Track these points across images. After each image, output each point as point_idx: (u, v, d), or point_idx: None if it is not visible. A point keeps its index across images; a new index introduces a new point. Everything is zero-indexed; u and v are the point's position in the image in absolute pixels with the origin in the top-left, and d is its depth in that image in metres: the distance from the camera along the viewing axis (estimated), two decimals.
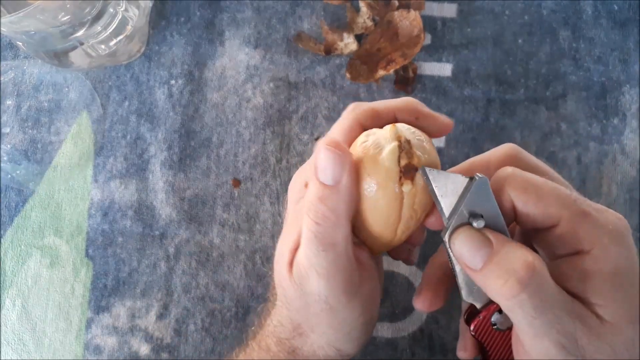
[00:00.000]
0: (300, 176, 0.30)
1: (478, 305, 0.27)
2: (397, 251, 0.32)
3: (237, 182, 0.45)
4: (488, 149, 0.45)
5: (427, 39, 0.47)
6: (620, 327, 0.23)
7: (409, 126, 0.27)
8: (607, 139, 0.45)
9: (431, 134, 0.28)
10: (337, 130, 0.29)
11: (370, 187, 0.26)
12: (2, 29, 0.37)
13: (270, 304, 0.32)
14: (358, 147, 0.27)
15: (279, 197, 0.45)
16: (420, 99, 0.45)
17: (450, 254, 0.26)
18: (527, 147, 0.42)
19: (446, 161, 0.45)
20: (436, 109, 0.46)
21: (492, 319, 0.26)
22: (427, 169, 0.25)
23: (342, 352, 0.29)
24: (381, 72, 0.44)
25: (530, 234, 0.27)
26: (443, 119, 0.29)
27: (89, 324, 0.43)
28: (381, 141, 0.26)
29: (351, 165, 0.26)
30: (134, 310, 0.43)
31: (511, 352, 0.27)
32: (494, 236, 0.24)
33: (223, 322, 0.43)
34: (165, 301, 0.43)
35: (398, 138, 0.26)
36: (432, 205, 0.27)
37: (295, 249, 0.27)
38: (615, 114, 0.46)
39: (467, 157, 0.45)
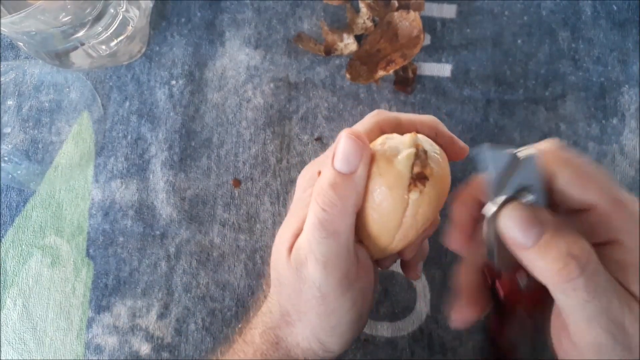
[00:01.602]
0: (313, 166, 0.30)
1: (506, 272, 0.26)
2: (389, 262, 0.32)
3: (237, 182, 0.45)
4: None
5: (426, 40, 0.47)
6: None
7: (429, 139, 0.28)
8: (606, 139, 0.45)
9: (447, 154, 0.28)
10: (357, 127, 0.29)
11: (378, 186, 0.26)
12: (3, 29, 0.37)
13: (262, 295, 0.32)
14: (375, 147, 0.27)
15: (279, 197, 0.45)
16: (419, 99, 0.46)
17: (490, 229, 0.25)
18: None
19: None
20: (436, 109, 0.46)
21: (518, 281, 0.26)
22: (485, 146, 0.24)
23: (325, 346, 0.29)
24: (381, 73, 0.44)
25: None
26: (460, 143, 0.29)
27: (89, 323, 0.43)
28: (399, 146, 0.26)
29: (368, 158, 0.26)
30: (134, 310, 0.43)
31: (532, 308, 0.26)
32: (549, 217, 0.24)
33: (223, 321, 0.43)
34: (165, 301, 0.43)
35: (416, 146, 0.26)
36: (433, 219, 0.27)
37: (298, 234, 0.27)
38: (614, 115, 0.46)
39: (467, 157, 0.45)
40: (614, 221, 0.24)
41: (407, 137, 0.27)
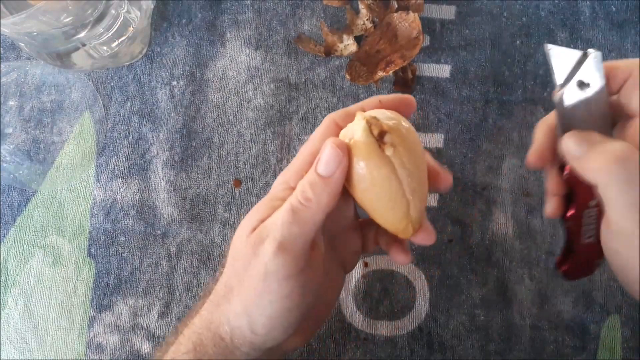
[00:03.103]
0: (285, 175, 0.32)
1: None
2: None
3: (238, 182, 0.45)
4: (486, 150, 0.46)
5: (426, 41, 0.47)
6: None
7: (380, 110, 0.30)
8: None
9: (401, 113, 0.31)
10: (317, 131, 0.32)
11: (360, 166, 0.29)
12: (4, 30, 0.37)
13: (212, 282, 0.33)
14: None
15: None
16: (419, 100, 0.46)
17: (558, 112, 0.30)
18: (524, 148, 0.43)
19: (444, 161, 0.45)
20: (435, 109, 0.47)
21: None
22: (548, 46, 0.30)
23: (252, 325, 0.30)
24: (380, 74, 0.44)
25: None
26: (403, 95, 0.33)
27: (91, 322, 0.43)
28: (354, 127, 0.29)
29: (346, 165, 0.29)
30: (135, 309, 0.43)
31: (591, 198, 0.31)
32: (596, 137, 0.29)
33: None
34: (166, 300, 0.43)
35: (365, 118, 0.29)
36: (435, 169, 0.31)
37: (264, 219, 0.30)
38: None
39: (465, 157, 0.46)
40: None
41: (356, 117, 0.30)
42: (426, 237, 0.32)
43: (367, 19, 0.46)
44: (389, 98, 0.32)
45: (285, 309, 0.29)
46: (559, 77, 0.30)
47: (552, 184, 0.33)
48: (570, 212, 0.32)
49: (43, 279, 0.44)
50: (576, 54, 0.30)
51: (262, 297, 0.29)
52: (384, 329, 0.43)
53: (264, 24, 0.47)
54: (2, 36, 0.47)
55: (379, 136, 0.28)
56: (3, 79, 0.46)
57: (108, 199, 0.45)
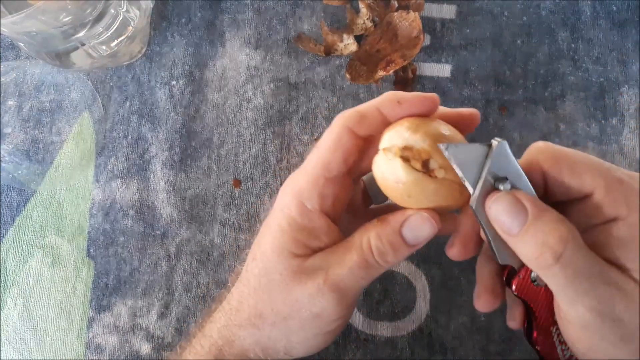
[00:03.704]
0: (294, 186, 0.30)
1: (515, 266, 0.27)
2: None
3: (237, 182, 0.45)
4: None
5: (426, 40, 0.47)
6: None
7: (389, 133, 0.27)
8: (606, 139, 0.45)
9: (424, 114, 0.28)
10: (328, 138, 0.29)
11: (419, 198, 0.26)
12: (3, 29, 0.37)
13: (225, 290, 0.33)
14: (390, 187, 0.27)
15: None
16: None
17: (481, 221, 0.26)
18: (525, 149, 0.43)
19: None
20: None
21: (532, 276, 0.27)
22: (442, 146, 0.25)
23: (291, 352, 0.30)
24: (381, 73, 0.44)
25: (560, 206, 0.26)
26: (427, 95, 0.28)
27: (90, 323, 0.43)
28: (387, 167, 0.26)
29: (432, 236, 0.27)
30: (135, 310, 0.43)
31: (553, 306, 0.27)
32: (531, 203, 0.24)
33: None
34: (166, 300, 0.43)
35: (395, 153, 0.26)
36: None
37: (306, 255, 0.28)
38: (613, 114, 0.46)
39: None
40: (616, 200, 0.24)
41: (380, 155, 0.26)
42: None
43: (367, 18, 0.46)
44: (409, 98, 0.27)
45: (328, 339, 0.30)
46: (468, 178, 0.25)
47: (492, 297, 0.29)
48: (535, 333, 0.28)
49: (42, 279, 0.44)
50: (478, 148, 0.25)
51: (307, 332, 0.29)
52: (384, 329, 0.43)
53: (264, 24, 0.47)
54: (1, 36, 0.47)
55: (424, 166, 0.25)
56: (2, 79, 0.46)
57: (107, 199, 0.45)
